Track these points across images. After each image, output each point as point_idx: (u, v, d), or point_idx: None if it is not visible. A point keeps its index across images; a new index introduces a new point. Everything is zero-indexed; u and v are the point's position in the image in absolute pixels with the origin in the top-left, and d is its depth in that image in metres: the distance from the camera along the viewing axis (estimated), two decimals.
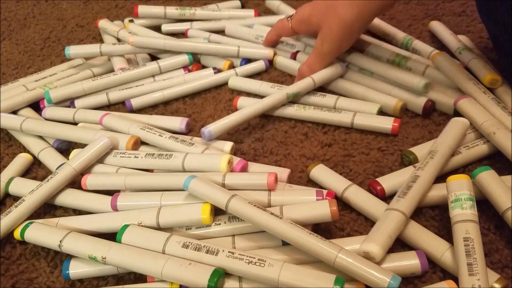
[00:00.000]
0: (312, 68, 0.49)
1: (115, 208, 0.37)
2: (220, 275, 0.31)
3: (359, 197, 0.38)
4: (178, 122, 0.47)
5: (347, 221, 0.38)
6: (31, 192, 0.39)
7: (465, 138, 0.42)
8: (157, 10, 0.63)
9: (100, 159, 0.42)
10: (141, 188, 0.39)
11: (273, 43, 0.56)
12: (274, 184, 0.37)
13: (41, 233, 0.36)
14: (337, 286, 0.29)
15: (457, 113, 0.44)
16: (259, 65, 0.55)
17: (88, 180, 0.40)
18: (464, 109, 0.43)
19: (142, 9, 0.62)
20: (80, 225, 0.37)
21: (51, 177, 0.40)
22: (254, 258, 0.31)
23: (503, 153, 0.39)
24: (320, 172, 0.40)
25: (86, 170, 0.42)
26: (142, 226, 0.35)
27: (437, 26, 0.57)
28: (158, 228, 0.35)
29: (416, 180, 0.36)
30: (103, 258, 0.33)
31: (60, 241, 0.35)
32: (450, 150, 0.39)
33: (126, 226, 0.35)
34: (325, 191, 0.37)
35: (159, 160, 0.40)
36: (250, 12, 0.65)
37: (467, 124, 0.41)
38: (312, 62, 0.49)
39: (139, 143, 0.45)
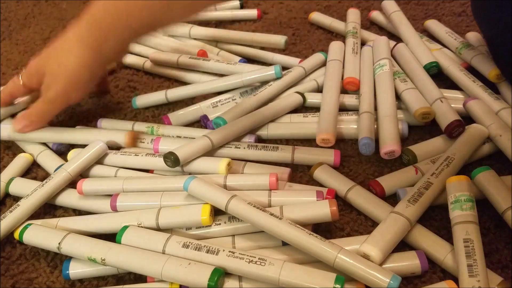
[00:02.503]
0: (35, 114, 0.44)
1: (114, 209, 0.37)
2: (220, 274, 0.31)
3: (363, 198, 0.38)
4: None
5: (347, 221, 0.38)
6: (26, 197, 0.39)
7: None
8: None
9: (100, 159, 0.42)
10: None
11: (5, 104, 0.48)
12: (275, 184, 0.37)
13: (40, 236, 0.36)
14: (338, 285, 0.29)
15: None
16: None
17: (84, 186, 0.39)
18: (473, 110, 0.43)
19: None
20: (80, 226, 0.37)
21: (46, 182, 0.39)
22: (255, 257, 0.31)
23: (506, 156, 0.39)
24: (324, 172, 0.40)
25: (83, 173, 0.42)
26: (141, 227, 0.35)
27: (433, 26, 0.57)
28: (158, 229, 0.35)
29: (429, 188, 0.36)
30: (102, 260, 0.33)
31: (59, 243, 0.35)
32: (465, 159, 0.39)
33: (126, 227, 0.35)
34: (325, 190, 0.37)
35: (158, 159, 0.40)
36: (253, 11, 0.64)
37: (486, 133, 0.41)
38: (35, 108, 0.44)
39: (137, 138, 0.44)
